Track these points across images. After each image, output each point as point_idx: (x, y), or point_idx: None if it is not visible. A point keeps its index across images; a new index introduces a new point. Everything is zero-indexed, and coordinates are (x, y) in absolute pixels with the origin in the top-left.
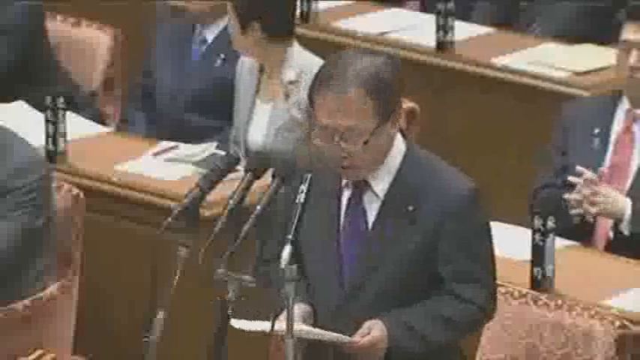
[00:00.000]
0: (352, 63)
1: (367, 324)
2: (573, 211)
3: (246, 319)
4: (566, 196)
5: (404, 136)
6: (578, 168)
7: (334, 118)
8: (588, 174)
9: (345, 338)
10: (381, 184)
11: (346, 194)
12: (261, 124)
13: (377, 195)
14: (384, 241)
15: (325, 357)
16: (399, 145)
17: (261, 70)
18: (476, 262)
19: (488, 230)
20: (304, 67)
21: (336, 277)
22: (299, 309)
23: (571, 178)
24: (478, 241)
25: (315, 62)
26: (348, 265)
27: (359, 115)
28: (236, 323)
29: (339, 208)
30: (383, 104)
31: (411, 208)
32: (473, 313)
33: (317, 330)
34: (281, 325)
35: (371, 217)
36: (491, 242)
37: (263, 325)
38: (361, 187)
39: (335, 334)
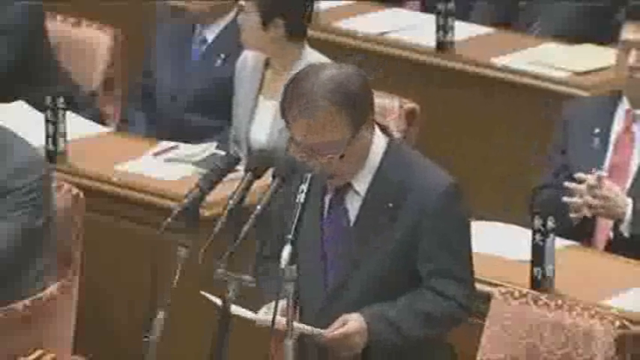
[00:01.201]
0: (318, 78)
1: (343, 317)
2: (573, 215)
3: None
4: (566, 199)
5: (385, 132)
6: (579, 175)
7: (307, 137)
8: (590, 180)
9: (319, 330)
10: (362, 184)
11: (329, 194)
12: (264, 123)
13: (358, 193)
14: (366, 238)
15: (309, 352)
16: (380, 142)
17: (266, 66)
18: (457, 259)
19: (468, 226)
20: None
21: (320, 275)
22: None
23: (570, 184)
24: (458, 238)
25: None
26: (332, 264)
27: (331, 132)
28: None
29: (322, 207)
30: (353, 115)
31: (391, 205)
32: (454, 310)
33: (295, 324)
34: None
35: (352, 216)
36: (469, 239)
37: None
38: (343, 187)
39: (310, 327)
